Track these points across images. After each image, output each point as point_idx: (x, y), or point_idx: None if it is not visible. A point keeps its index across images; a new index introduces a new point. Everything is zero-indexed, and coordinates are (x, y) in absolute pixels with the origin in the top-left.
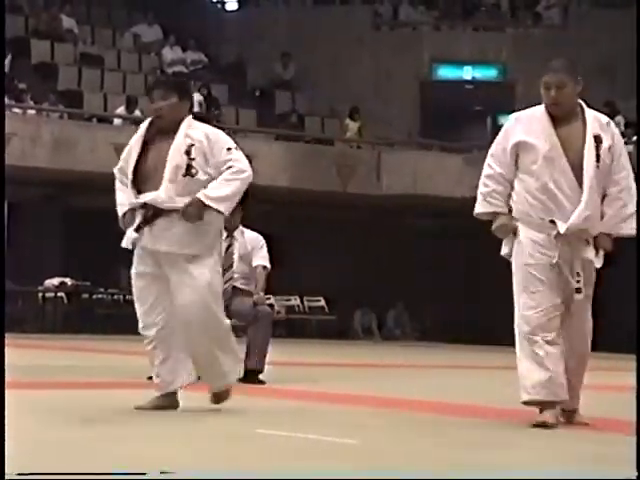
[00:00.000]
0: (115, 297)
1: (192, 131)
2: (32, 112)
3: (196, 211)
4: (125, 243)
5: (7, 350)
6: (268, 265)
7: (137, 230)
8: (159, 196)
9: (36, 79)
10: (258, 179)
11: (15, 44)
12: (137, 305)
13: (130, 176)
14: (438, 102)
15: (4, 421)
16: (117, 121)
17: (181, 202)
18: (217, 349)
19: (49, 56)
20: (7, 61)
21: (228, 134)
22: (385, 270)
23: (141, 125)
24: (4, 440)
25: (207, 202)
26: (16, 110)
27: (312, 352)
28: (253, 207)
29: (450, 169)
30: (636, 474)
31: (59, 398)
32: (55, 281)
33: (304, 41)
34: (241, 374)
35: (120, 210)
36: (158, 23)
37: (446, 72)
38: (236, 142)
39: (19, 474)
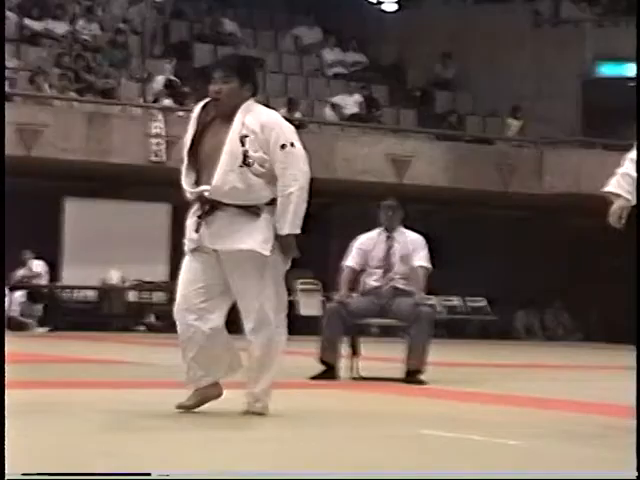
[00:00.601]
0: None
1: (248, 119)
2: (184, 114)
3: (290, 249)
4: (187, 246)
5: (164, 349)
6: (429, 266)
7: (196, 229)
8: (216, 187)
9: (199, 82)
10: (418, 179)
11: (179, 48)
12: (183, 283)
13: (185, 161)
14: (600, 100)
15: (4, 421)
16: None
17: (239, 194)
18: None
19: (211, 59)
20: (171, 65)
21: (387, 135)
22: (545, 269)
23: (195, 110)
24: (4, 440)
25: (287, 231)
26: (180, 114)
27: (474, 352)
28: (411, 206)
29: (613, 168)
30: (636, 474)
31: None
32: None
33: (464, 40)
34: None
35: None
36: (318, 25)
37: (609, 69)
38: (397, 142)
39: (23, 474)
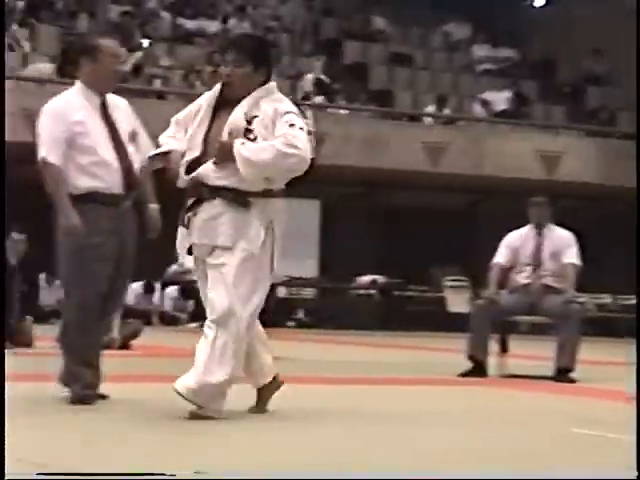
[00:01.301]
0: (427, 294)
1: (264, 102)
2: (344, 112)
3: (223, 154)
4: (180, 249)
5: (321, 345)
6: (579, 263)
7: (185, 224)
8: (206, 168)
9: (349, 80)
10: (568, 175)
11: (328, 46)
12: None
13: (198, 148)
14: None
15: (4, 421)
16: (427, 120)
17: (234, 179)
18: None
19: (361, 56)
20: (321, 63)
21: (537, 131)
22: None
23: (210, 92)
24: (4, 440)
25: (236, 152)
26: (330, 110)
27: (624, 351)
28: (561, 203)
29: None
30: (636, 474)
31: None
32: (367, 278)
33: (615, 35)
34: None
35: (157, 150)
36: (468, 21)
37: None
38: (543, 138)
39: (39, 474)
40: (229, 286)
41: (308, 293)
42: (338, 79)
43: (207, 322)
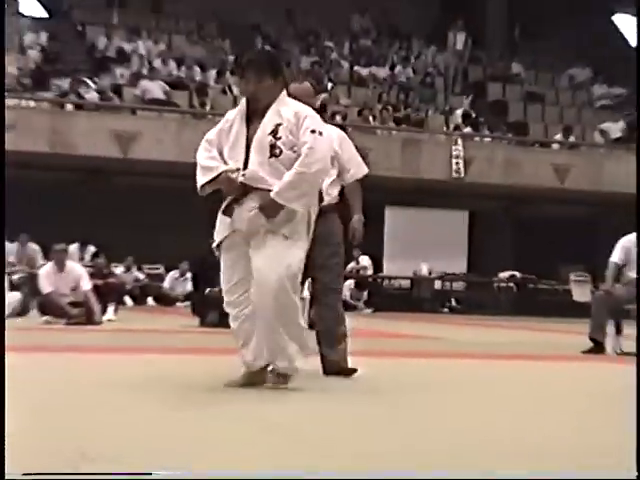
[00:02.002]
0: (555, 287)
1: (283, 109)
2: (487, 140)
3: (272, 211)
4: (218, 235)
5: (464, 328)
6: None
7: (226, 211)
8: (250, 175)
9: (491, 114)
10: None
11: (475, 87)
12: (223, 280)
13: (241, 156)
14: None
15: (4, 421)
16: (555, 146)
17: (271, 182)
18: (282, 327)
19: (501, 95)
20: (468, 100)
21: None
22: None
23: (241, 103)
24: (4, 440)
25: (281, 201)
26: (476, 139)
27: None
28: None
29: None
30: (636, 474)
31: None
32: (507, 274)
33: None
34: (303, 367)
35: (210, 174)
36: (588, 65)
37: None
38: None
39: (23, 474)
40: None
41: (458, 285)
42: (482, 113)
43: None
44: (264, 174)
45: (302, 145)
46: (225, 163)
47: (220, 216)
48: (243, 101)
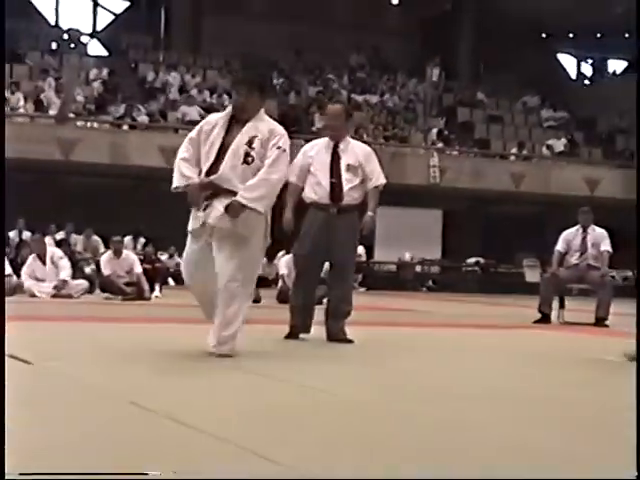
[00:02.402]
0: (512, 270)
1: (261, 124)
2: (458, 153)
3: (236, 212)
4: (191, 225)
5: (440, 303)
6: (611, 250)
7: (205, 209)
8: (222, 176)
9: (460, 132)
10: (603, 193)
11: (447, 111)
12: (185, 260)
13: (213, 156)
14: None
15: (4, 421)
16: (512, 158)
17: (239, 186)
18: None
19: (469, 117)
20: (442, 122)
21: (583, 165)
22: None
23: (227, 111)
24: (4, 440)
25: (245, 203)
26: (448, 152)
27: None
28: (599, 212)
29: None
30: (636, 474)
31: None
32: (473, 260)
33: (633, 104)
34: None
35: (183, 181)
36: (538, 94)
37: None
38: None
39: (21, 474)
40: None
41: (435, 269)
42: (453, 132)
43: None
44: (233, 177)
45: (268, 158)
46: (199, 162)
47: (193, 211)
48: (229, 109)
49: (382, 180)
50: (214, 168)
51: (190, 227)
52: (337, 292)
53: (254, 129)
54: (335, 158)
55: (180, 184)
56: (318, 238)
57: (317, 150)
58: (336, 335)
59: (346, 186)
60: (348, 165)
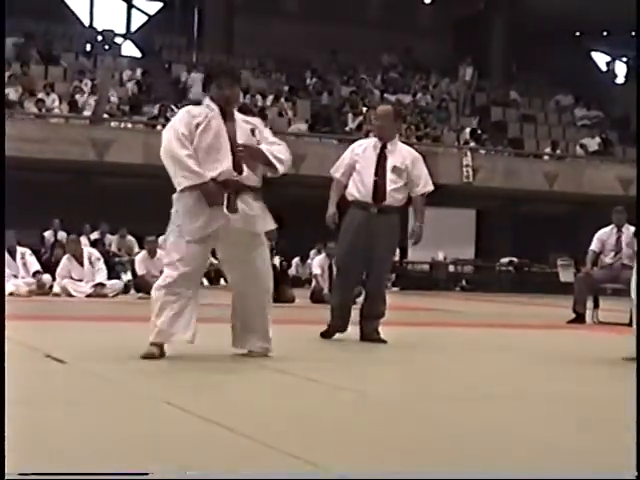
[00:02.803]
0: (545, 270)
1: (245, 117)
2: (491, 152)
3: (255, 156)
4: (205, 227)
5: (473, 302)
6: None
7: (228, 207)
8: (248, 175)
9: (493, 132)
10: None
11: (481, 110)
12: (183, 261)
13: (229, 153)
14: None
15: (4, 420)
16: (545, 157)
17: (254, 179)
18: (268, 314)
19: (502, 116)
20: (475, 121)
21: (618, 164)
22: None
23: (209, 104)
24: (4, 440)
25: (271, 158)
26: (482, 152)
27: None
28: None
29: None
30: (636, 474)
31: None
32: (506, 259)
33: None
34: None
35: (196, 178)
36: (571, 92)
37: None
38: None
39: (20, 474)
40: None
41: (468, 269)
42: (487, 131)
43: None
44: (251, 172)
45: (274, 142)
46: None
47: (209, 209)
48: (212, 104)
49: (430, 187)
50: (237, 166)
51: (202, 229)
52: (372, 292)
53: (245, 121)
54: (382, 158)
55: (193, 181)
56: (357, 237)
57: (364, 148)
58: (370, 335)
59: (389, 187)
60: (394, 167)
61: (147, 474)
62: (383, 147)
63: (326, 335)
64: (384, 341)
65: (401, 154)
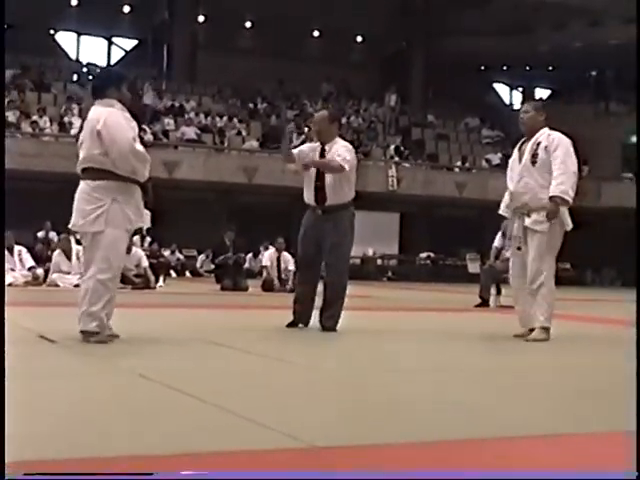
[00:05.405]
0: (457, 263)
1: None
2: (411, 165)
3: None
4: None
5: (398, 290)
6: None
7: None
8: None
9: (414, 148)
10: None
11: (403, 130)
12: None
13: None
14: None
15: (4, 420)
16: (456, 169)
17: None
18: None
19: (420, 135)
20: (399, 139)
21: None
22: None
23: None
24: (4, 439)
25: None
26: (404, 164)
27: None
28: None
29: None
30: (636, 474)
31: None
32: (425, 254)
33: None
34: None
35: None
36: (477, 116)
37: None
38: None
39: (25, 474)
40: None
41: (393, 262)
42: (408, 148)
43: None
44: None
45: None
46: None
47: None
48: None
49: (346, 165)
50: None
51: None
52: (328, 282)
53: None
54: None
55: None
56: (309, 238)
57: (307, 152)
58: (325, 322)
59: (329, 190)
60: None
61: (151, 474)
62: (322, 150)
63: (291, 325)
64: (334, 330)
65: (336, 150)
